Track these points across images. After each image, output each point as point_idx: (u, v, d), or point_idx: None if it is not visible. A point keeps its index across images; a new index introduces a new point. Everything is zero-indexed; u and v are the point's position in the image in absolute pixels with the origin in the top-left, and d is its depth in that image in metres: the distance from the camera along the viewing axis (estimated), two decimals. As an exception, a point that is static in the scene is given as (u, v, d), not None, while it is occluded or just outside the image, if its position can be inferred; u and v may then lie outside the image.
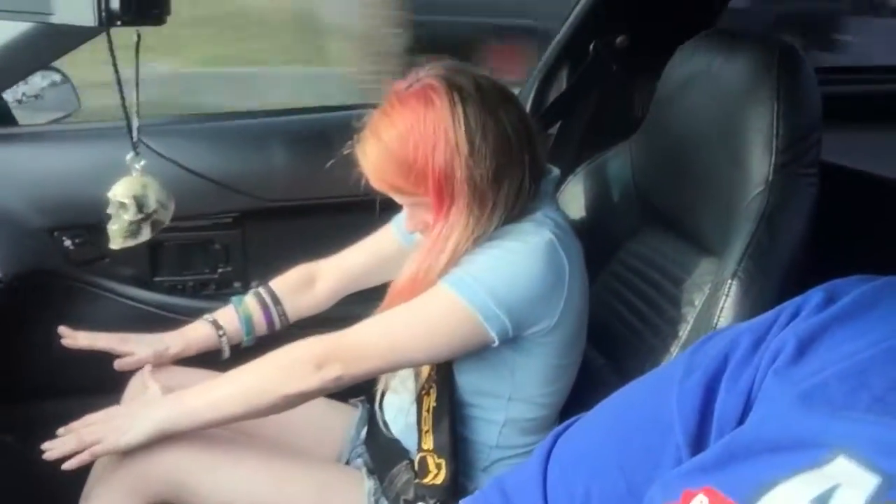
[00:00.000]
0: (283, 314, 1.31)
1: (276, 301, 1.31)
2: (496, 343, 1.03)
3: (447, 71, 1.06)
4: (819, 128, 1.04)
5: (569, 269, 1.04)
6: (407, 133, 1.02)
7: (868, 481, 0.43)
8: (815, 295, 0.57)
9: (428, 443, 1.09)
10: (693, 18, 1.47)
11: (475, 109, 1.02)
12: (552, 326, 1.05)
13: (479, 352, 1.07)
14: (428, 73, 1.06)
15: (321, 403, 1.30)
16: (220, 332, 1.27)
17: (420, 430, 1.11)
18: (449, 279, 1.03)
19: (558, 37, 1.57)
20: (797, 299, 0.58)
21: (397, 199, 1.09)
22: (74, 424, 1.07)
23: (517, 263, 1.03)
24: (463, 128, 1.01)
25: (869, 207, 1.26)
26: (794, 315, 0.56)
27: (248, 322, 1.29)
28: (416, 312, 1.04)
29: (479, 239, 1.05)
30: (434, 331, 1.04)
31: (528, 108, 1.65)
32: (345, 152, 1.10)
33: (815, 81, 1.04)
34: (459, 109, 1.02)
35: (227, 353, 1.27)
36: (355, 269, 1.31)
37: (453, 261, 1.04)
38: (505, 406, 1.11)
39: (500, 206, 1.04)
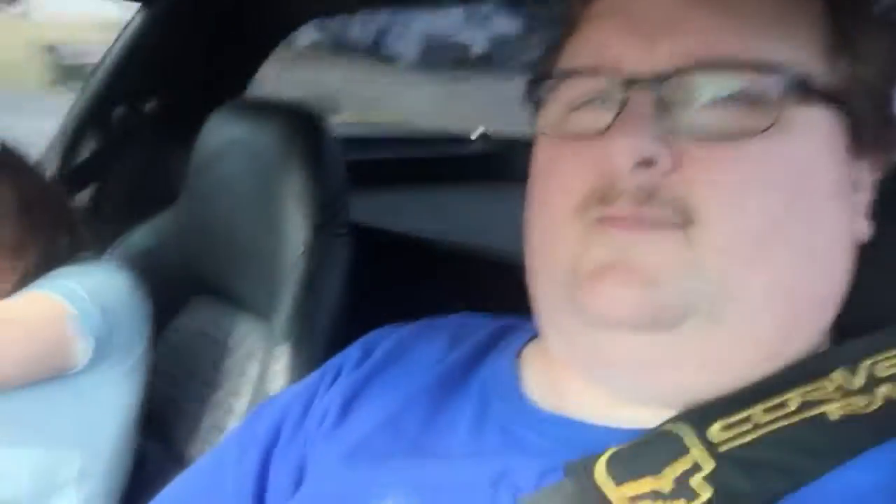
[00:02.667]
0: None
1: None
2: (86, 356, 0.94)
3: None
4: (346, 191, 1.11)
5: (146, 313, 1.04)
6: None
7: None
8: (354, 350, 0.59)
9: None
10: (223, 85, 1.48)
11: None
12: (131, 367, 1.01)
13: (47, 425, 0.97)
14: None
15: None
16: None
17: None
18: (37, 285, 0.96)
19: (79, 101, 1.45)
20: (338, 358, 0.59)
21: None
22: None
23: (102, 276, 1.00)
24: None
25: (399, 263, 1.39)
26: (337, 374, 0.57)
27: None
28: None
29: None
30: (30, 332, 0.93)
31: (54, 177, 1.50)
32: None
33: (337, 148, 1.12)
34: None
35: None
36: None
37: None
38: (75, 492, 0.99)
39: (19, 273, 0.98)
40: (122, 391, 1.02)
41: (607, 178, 0.43)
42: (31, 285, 0.97)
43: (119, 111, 1.42)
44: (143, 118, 1.44)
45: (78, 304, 0.94)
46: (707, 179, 0.42)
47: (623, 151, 0.42)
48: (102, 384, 1.00)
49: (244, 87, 1.57)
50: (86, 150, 1.48)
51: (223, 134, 1.17)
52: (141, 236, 1.30)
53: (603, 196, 0.43)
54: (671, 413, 0.44)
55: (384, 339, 0.59)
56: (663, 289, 0.42)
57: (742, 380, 0.44)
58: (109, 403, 1.01)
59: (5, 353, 0.91)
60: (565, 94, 0.47)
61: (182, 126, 1.35)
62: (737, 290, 0.42)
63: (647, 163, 0.42)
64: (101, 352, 0.97)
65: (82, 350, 0.94)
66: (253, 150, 1.11)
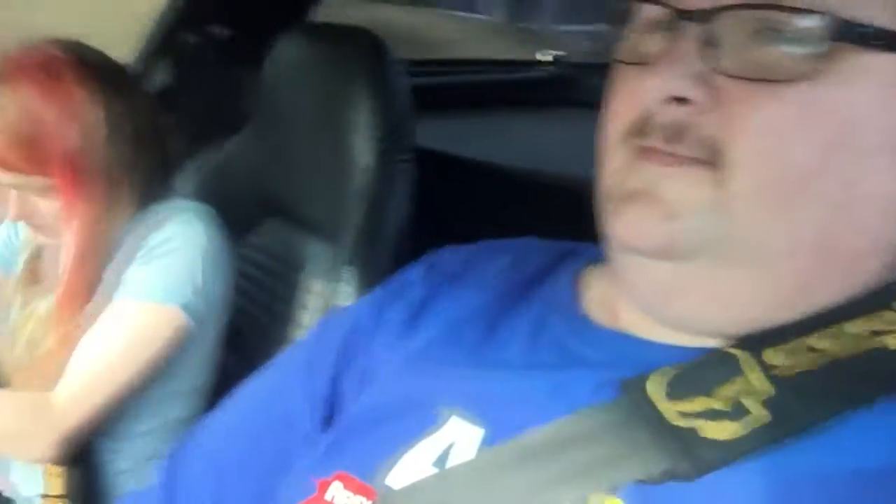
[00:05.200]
0: None
1: None
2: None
3: (74, 47, 0.97)
4: (411, 116, 1.12)
5: (227, 248, 1.05)
6: (31, 103, 0.91)
7: (476, 434, 0.47)
8: (419, 266, 0.61)
9: (56, 487, 0.96)
10: (290, 9, 1.49)
11: (109, 91, 0.96)
12: (220, 307, 1.03)
13: None
14: (50, 46, 0.96)
15: None
16: None
17: (46, 475, 0.97)
18: (138, 291, 0.96)
19: (152, 29, 1.48)
20: (403, 273, 0.61)
21: (5, 178, 0.94)
22: None
23: (197, 249, 0.99)
24: (98, 107, 0.94)
25: (464, 188, 1.40)
26: (402, 288, 0.60)
27: None
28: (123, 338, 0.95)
29: (119, 225, 0.98)
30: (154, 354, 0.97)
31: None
32: None
33: (403, 73, 1.12)
34: (94, 87, 0.94)
35: None
36: None
37: (104, 248, 0.97)
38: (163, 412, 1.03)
39: (135, 194, 0.99)
40: (211, 326, 1.04)
41: (645, 111, 0.44)
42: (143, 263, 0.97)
43: (190, 37, 1.44)
44: (213, 43, 1.46)
45: (193, 314, 0.97)
46: (742, 122, 0.41)
47: (654, 88, 0.43)
48: (197, 333, 1.02)
49: (310, 11, 1.57)
50: (158, 76, 1.52)
51: (290, 58, 1.19)
52: (213, 159, 1.33)
53: (641, 128, 0.44)
54: (701, 338, 0.45)
55: (448, 256, 0.61)
56: (680, 223, 0.43)
57: (757, 321, 0.44)
58: (202, 338, 1.04)
59: (128, 375, 0.95)
60: (638, 18, 0.47)
61: (251, 50, 1.36)
62: (756, 235, 0.42)
63: (681, 100, 0.42)
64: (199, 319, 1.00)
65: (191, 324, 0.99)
66: (319, 74, 1.12)
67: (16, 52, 0.95)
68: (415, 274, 0.60)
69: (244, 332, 1.21)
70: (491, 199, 1.41)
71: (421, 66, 1.93)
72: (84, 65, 0.95)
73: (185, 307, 0.97)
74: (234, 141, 1.32)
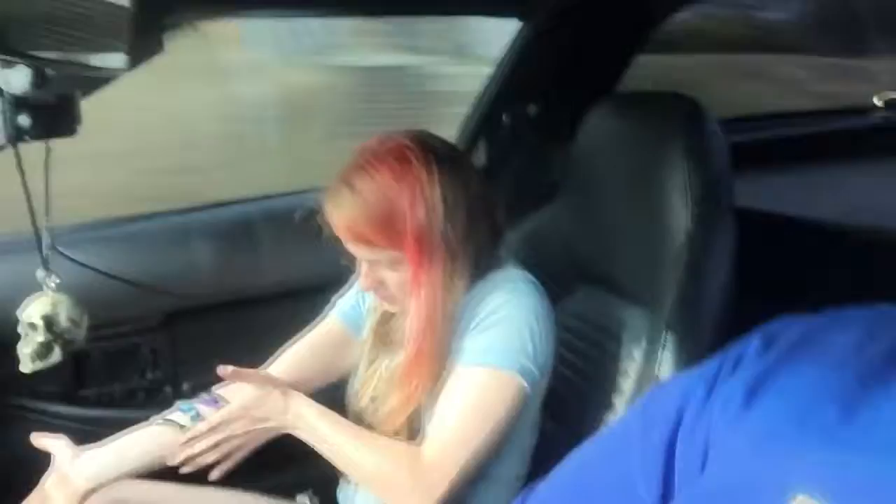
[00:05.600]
0: None
1: None
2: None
3: (418, 135, 1.09)
4: (729, 176, 1.07)
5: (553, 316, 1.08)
6: (385, 187, 1.03)
7: None
8: (755, 340, 0.57)
9: None
10: (597, 82, 1.53)
11: (447, 171, 1.05)
12: (545, 371, 1.06)
13: None
14: (400, 135, 1.08)
15: (259, 501, 1.22)
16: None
17: None
18: (477, 358, 1.02)
19: (472, 111, 1.61)
20: (738, 346, 0.58)
21: (362, 252, 1.07)
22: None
23: (530, 318, 1.04)
24: (439, 187, 1.03)
25: (787, 247, 1.30)
26: (738, 361, 0.57)
27: None
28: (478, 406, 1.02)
29: (458, 294, 1.05)
30: (500, 416, 1.03)
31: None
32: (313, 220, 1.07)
33: (720, 133, 1.08)
34: (435, 170, 1.04)
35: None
36: (308, 372, 1.21)
37: (445, 315, 1.04)
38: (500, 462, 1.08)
39: (469, 264, 1.06)
40: (537, 389, 1.07)
41: None
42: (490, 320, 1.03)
43: (506, 117, 1.54)
44: (526, 121, 1.55)
45: (528, 378, 1.02)
46: None
47: None
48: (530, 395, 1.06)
49: (617, 81, 1.60)
50: (479, 153, 1.65)
51: (602, 127, 1.21)
52: (527, 228, 1.39)
53: None
54: None
55: (788, 328, 0.57)
56: None
57: None
58: (531, 400, 1.07)
59: (480, 437, 1.01)
60: None
61: (561, 124, 1.42)
62: None
63: None
64: (533, 383, 1.04)
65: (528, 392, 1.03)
66: (632, 141, 1.13)
67: (369, 142, 1.09)
68: (751, 346, 0.57)
69: (562, 396, 1.22)
70: (822, 260, 1.29)
71: (739, 123, 1.86)
72: (426, 149, 1.06)
73: (521, 371, 1.01)
74: (547, 210, 1.37)
